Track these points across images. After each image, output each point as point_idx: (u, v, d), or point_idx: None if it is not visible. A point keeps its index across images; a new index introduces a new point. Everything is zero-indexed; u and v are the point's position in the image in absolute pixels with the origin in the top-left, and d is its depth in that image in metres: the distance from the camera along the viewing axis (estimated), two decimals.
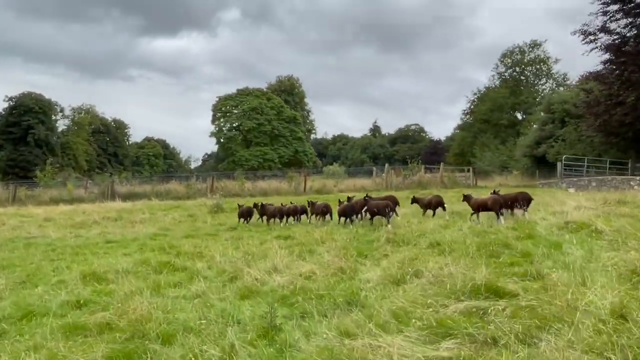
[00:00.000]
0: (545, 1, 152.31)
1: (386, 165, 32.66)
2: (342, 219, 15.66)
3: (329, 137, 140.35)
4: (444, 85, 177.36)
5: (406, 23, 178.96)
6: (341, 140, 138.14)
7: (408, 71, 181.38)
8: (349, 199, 16.69)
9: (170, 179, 36.95)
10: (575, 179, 30.86)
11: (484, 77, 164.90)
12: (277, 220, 17.57)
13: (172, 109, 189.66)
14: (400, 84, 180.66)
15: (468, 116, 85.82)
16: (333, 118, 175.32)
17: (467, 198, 14.64)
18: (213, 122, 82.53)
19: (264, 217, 18.02)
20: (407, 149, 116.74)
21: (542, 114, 78.36)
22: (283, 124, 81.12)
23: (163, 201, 29.64)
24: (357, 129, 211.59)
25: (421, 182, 31.90)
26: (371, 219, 14.86)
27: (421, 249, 10.03)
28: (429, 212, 16.04)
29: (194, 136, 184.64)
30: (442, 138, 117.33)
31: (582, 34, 35.69)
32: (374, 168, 37.30)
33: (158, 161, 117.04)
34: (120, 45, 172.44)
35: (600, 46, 34.97)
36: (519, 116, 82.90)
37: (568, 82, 78.59)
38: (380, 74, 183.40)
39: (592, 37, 35.46)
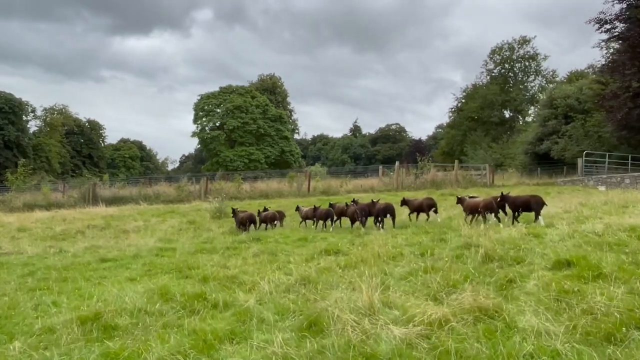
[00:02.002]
0: (517, 1, 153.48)
1: (396, 163, 30.01)
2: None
3: (309, 137, 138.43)
4: (420, 85, 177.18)
5: (380, 23, 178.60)
6: (321, 140, 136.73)
7: (384, 71, 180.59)
8: (354, 201, 15.66)
9: (158, 180, 33.68)
10: (604, 176, 28.64)
11: (458, 77, 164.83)
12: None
13: (147, 110, 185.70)
14: (376, 84, 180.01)
15: (456, 114, 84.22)
16: (310, 118, 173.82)
17: (460, 201, 14.54)
18: (195, 121, 79.05)
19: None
20: (388, 149, 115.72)
21: (532, 110, 77.18)
22: (269, 122, 78.09)
23: (153, 205, 26.48)
24: (335, 129, 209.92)
25: (435, 181, 29.38)
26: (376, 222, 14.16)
27: (542, 267, 7.34)
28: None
29: (170, 137, 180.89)
30: (424, 137, 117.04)
31: (597, 23, 33.73)
32: (381, 167, 34.69)
33: (135, 163, 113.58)
34: (91, 45, 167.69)
35: (618, 35, 33.02)
36: (506, 114, 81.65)
37: (557, 78, 77.86)
38: (356, 74, 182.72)
39: (608, 27, 33.55)
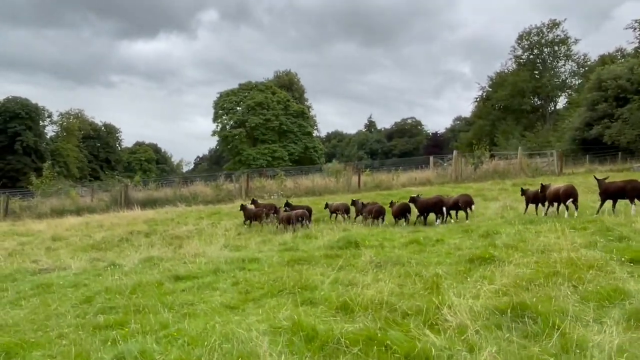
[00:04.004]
0: None
1: (454, 152, 27.17)
2: None
3: (322, 134, 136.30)
4: (428, 79, 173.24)
5: (386, 16, 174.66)
6: (335, 137, 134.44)
7: (392, 65, 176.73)
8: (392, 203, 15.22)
9: (194, 180, 31.25)
10: None
11: (467, 68, 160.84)
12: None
13: (157, 114, 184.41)
14: (384, 78, 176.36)
15: (481, 103, 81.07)
16: (320, 116, 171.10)
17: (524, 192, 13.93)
18: (215, 119, 76.63)
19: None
20: (405, 143, 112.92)
21: (563, 96, 73.79)
22: (291, 118, 75.45)
23: (192, 207, 24.00)
24: (345, 125, 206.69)
25: (497, 170, 26.57)
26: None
27: None
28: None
29: (182, 140, 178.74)
30: (438, 130, 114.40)
31: None
32: (431, 157, 31.90)
33: (151, 166, 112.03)
34: (99, 50, 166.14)
35: None
36: (536, 101, 78.27)
37: (589, 62, 74.30)
38: (364, 69, 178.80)
39: None
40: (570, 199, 11.84)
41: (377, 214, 14.65)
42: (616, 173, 25.30)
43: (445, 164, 28.81)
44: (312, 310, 6.17)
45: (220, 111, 75.70)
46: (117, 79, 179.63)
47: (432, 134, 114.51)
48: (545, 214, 12.57)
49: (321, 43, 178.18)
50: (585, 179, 24.29)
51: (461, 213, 14.08)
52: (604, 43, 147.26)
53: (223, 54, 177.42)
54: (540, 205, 13.10)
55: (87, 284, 8.92)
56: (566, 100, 77.48)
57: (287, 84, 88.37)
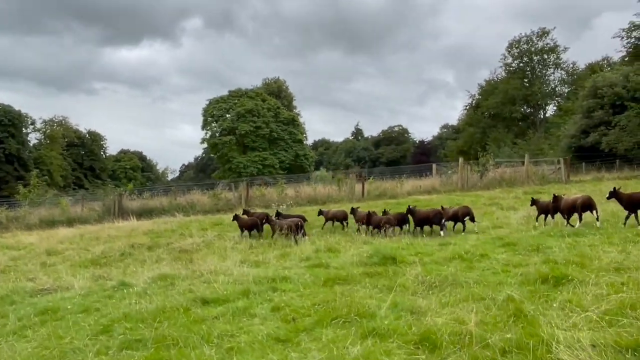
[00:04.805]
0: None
1: (460, 159, 26.46)
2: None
3: (309, 142, 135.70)
4: (412, 87, 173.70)
5: (370, 25, 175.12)
6: (322, 145, 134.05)
7: (376, 74, 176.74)
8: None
9: (191, 188, 30.00)
10: None
11: (450, 77, 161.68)
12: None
13: (141, 121, 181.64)
14: (369, 86, 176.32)
15: (472, 111, 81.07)
16: (306, 124, 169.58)
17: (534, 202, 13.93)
18: (204, 127, 75.23)
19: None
20: (392, 151, 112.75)
21: (552, 104, 74.26)
22: (281, 126, 74.41)
23: (190, 217, 22.87)
24: (330, 133, 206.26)
25: (503, 178, 25.90)
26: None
27: None
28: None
29: (166, 147, 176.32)
30: (428, 138, 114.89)
31: None
32: (434, 165, 31.15)
33: (136, 174, 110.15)
34: (81, 57, 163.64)
35: None
36: (525, 110, 78.40)
37: (578, 70, 74.77)
38: (349, 77, 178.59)
39: None
40: (589, 210, 11.82)
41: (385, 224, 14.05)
42: (624, 181, 24.80)
43: (449, 172, 28.05)
44: (383, 344, 5.23)
45: (210, 118, 74.35)
46: (100, 86, 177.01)
47: (419, 141, 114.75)
48: (567, 224, 12.26)
49: (306, 51, 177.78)
50: (595, 186, 23.73)
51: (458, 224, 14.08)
52: (587, 52, 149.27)
53: (208, 61, 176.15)
54: (550, 216, 13.27)
55: (99, 308, 7.86)
56: (555, 108, 77.90)
57: (276, 91, 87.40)
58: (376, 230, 14.18)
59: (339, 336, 5.61)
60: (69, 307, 8.00)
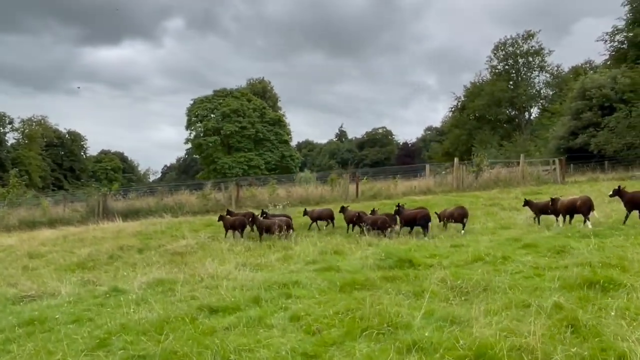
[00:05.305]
0: (487, 3, 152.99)
1: (455, 160, 25.98)
2: None
3: (293, 143, 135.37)
4: (396, 89, 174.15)
5: (353, 28, 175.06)
6: (306, 146, 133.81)
7: (359, 76, 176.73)
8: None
9: (178, 188, 28.96)
10: None
11: (432, 80, 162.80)
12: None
13: (122, 122, 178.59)
14: (352, 89, 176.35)
15: (457, 113, 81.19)
16: (289, 125, 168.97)
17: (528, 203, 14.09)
18: (188, 127, 74.02)
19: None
20: (376, 153, 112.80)
21: (536, 107, 74.84)
22: (267, 126, 73.54)
23: (178, 217, 21.98)
24: (314, 135, 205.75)
25: (499, 178, 25.51)
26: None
27: None
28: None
29: (147, 148, 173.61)
30: (412, 140, 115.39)
31: None
32: (427, 165, 30.63)
33: (117, 175, 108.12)
34: (60, 56, 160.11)
35: None
36: (511, 112, 78.78)
37: (563, 73, 75.39)
38: (332, 79, 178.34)
39: None
40: (589, 211, 12.00)
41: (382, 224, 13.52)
42: (618, 181, 24.56)
43: (444, 172, 27.58)
44: None
45: (194, 118, 73.13)
46: (80, 86, 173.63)
47: (403, 143, 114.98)
48: (570, 223, 12.57)
49: (289, 53, 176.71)
50: (591, 187, 23.45)
51: (456, 226, 13.96)
52: (567, 57, 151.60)
53: (189, 62, 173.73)
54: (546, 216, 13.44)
55: (91, 317, 7.05)
56: (539, 110, 78.42)
57: (261, 92, 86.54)
58: (369, 229, 13.64)
59: (374, 351, 4.92)
60: (57, 316, 7.16)
